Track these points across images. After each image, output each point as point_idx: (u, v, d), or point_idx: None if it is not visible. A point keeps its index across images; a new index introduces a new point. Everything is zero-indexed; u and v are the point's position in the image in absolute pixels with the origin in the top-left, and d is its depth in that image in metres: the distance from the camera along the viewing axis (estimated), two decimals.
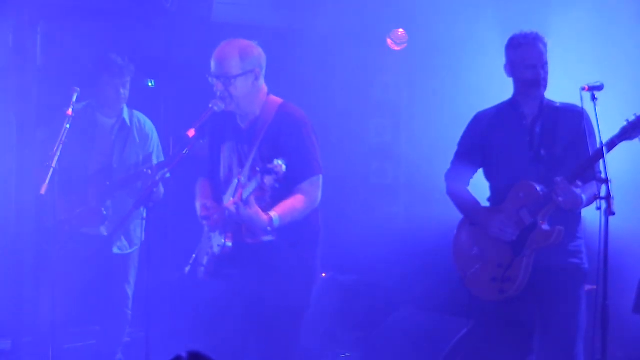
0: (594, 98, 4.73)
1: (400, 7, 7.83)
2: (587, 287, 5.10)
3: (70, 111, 5.64)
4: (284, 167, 4.55)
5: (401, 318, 6.88)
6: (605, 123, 4.71)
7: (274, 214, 4.80)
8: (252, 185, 4.63)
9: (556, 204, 4.86)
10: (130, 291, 6.44)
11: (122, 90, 6.29)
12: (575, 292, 5.04)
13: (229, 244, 4.86)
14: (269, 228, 4.79)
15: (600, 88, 4.76)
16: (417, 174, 7.63)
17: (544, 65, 5.01)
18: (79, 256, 6.10)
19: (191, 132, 4.84)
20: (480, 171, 5.31)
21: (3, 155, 7.09)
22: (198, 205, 5.13)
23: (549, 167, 5.00)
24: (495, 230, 5.02)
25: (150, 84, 7.75)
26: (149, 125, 6.52)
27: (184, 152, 4.86)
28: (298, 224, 4.92)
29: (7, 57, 7.15)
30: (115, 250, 6.34)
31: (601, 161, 4.63)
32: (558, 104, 5.10)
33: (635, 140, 4.76)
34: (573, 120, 5.00)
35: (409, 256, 7.43)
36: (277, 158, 4.58)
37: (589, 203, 4.83)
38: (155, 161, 6.39)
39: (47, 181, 5.42)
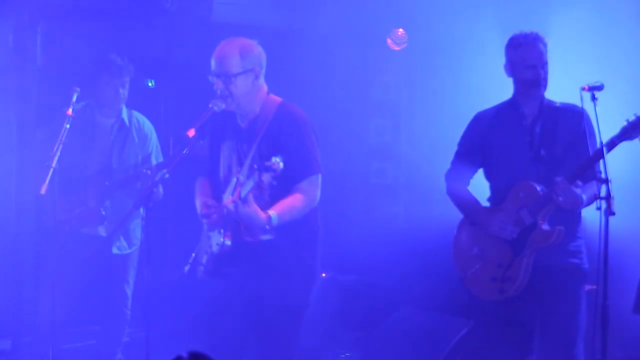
0: (594, 98, 4.74)
1: (400, 7, 7.83)
2: (587, 287, 5.10)
3: (70, 111, 5.64)
4: (281, 164, 4.55)
5: (401, 318, 6.88)
6: (605, 123, 4.71)
7: (272, 212, 4.80)
8: (250, 183, 4.64)
9: (556, 204, 4.86)
10: (129, 291, 6.44)
11: (121, 90, 6.29)
12: (575, 292, 5.04)
13: (228, 242, 4.86)
14: (267, 226, 4.80)
15: (600, 88, 4.76)
16: (417, 174, 7.63)
17: (544, 65, 5.02)
18: (78, 256, 6.10)
19: (191, 132, 4.85)
20: (480, 171, 5.31)
21: (3, 155, 7.08)
22: (198, 203, 5.14)
23: (549, 167, 5.00)
24: (496, 228, 5.02)
25: (150, 84, 7.75)
26: (147, 125, 6.51)
27: (184, 152, 4.87)
28: (297, 223, 4.92)
29: (7, 57, 7.15)
30: (115, 250, 6.34)
31: (601, 161, 4.63)
32: (558, 104, 5.10)
33: (635, 140, 4.77)
34: (573, 120, 5.00)
35: (409, 256, 7.43)
36: (276, 156, 4.58)
37: (589, 203, 4.83)
38: (154, 161, 6.38)
39: (47, 181, 5.42)
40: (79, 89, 5.78)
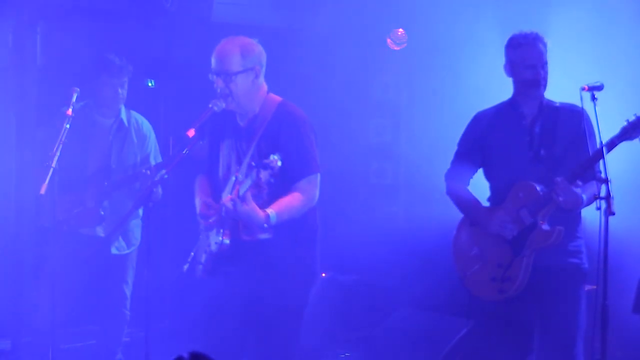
0: (593, 98, 4.74)
1: (400, 7, 7.83)
2: (587, 287, 5.10)
3: (70, 111, 5.63)
4: (279, 162, 4.56)
5: (401, 318, 6.89)
6: (605, 123, 4.71)
7: (270, 211, 4.81)
8: (249, 182, 4.65)
9: (556, 203, 4.86)
10: (128, 291, 6.44)
11: (120, 91, 6.28)
12: (575, 292, 5.04)
13: (227, 241, 4.87)
14: (265, 225, 4.80)
15: (600, 88, 4.76)
16: (417, 174, 7.63)
17: (543, 65, 5.02)
18: (77, 256, 6.10)
19: (191, 132, 4.85)
20: (480, 171, 5.31)
21: (3, 155, 7.08)
22: (198, 202, 5.14)
23: (549, 167, 5.00)
24: (495, 226, 5.03)
25: (150, 84, 7.75)
26: (146, 125, 6.51)
27: (183, 152, 4.87)
28: (295, 222, 4.92)
29: (6, 57, 7.15)
30: (114, 250, 6.34)
31: (601, 161, 4.63)
32: (558, 104, 5.10)
33: (635, 141, 4.76)
34: (573, 120, 5.00)
35: (409, 256, 7.43)
36: (274, 154, 4.59)
37: (589, 203, 4.83)
38: (152, 162, 6.38)
39: (46, 181, 5.42)
40: (78, 89, 5.78)
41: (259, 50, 5.02)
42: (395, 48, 8.02)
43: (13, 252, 7.11)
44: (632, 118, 4.73)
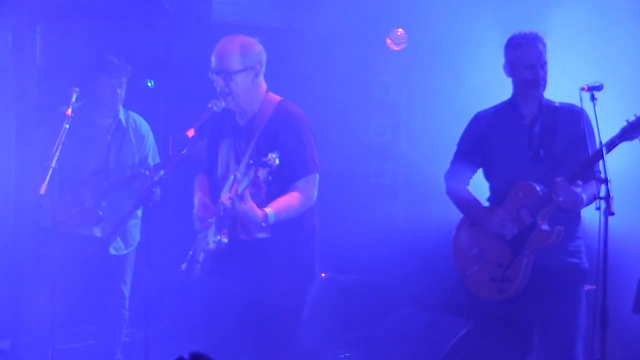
0: (593, 98, 4.74)
1: (400, 7, 7.83)
2: (587, 287, 5.10)
3: (69, 111, 5.63)
4: (277, 160, 4.56)
5: (401, 318, 6.89)
6: (605, 123, 4.71)
7: (269, 210, 4.81)
8: (247, 180, 4.65)
9: (556, 204, 4.86)
10: (126, 291, 6.44)
11: (118, 91, 6.28)
12: (575, 292, 5.04)
13: (225, 240, 4.87)
14: (263, 224, 4.80)
15: (599, 88, 4.77)
16: (416, 174, 7.63)
17: (543, 65, 5.01)
18: (75, 257, 6.08)
19: (190, 132, 4.85)
20: (480, 171, 5.31)
21: (3, 156, 7.08)
22: (196, 200, 5.14)
23: (548, 167, 4.99)
24: (495, 225, 5.02)
25: (149, 84, 7.75)
26: (144, 126, 6.51)
27: (183, 152, 4.87)
28: (293, 222, 4.93)
29: (6, 57, 7.15)
30: (112, 251, 6.33)
31: (601, 161, 4.62)
32: (557, 104, 5.10)
33: (635, 141, 4.76)
34: (572, 120, 5.00)
35: (409, 256, 7.42)
36: (272, 152, 4.59)
37: (589, 203, 4.83)
38: (151, 162, 6.37)
39: (46, 181, 5.41)
40: (78, 89, 5.78)
41: (259, 49, 5.02)
42: (395, 48, 8.02)
43: (13, 252, 7.11)
44: (632, 118, 4.73)
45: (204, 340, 5.14)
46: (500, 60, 5.14)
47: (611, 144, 4.72)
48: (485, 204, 5.25)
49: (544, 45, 5.02)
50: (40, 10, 7.10)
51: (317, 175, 5.01)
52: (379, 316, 7.09)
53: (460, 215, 5.31)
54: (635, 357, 6.12)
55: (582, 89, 4.76)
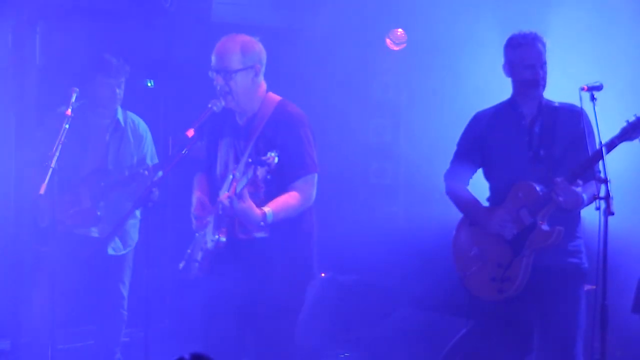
0: (593, 98, 4.74)
1: (400, 7, 7.83)
2: (587, 287, 5.10)
3: (69, 111, 5.63)
4: (276, 159, 4.56)
5: (401, 318, 6.90)
6: (605, 123, 4.71)
7: (267, 209, 4.81)
8: (245, 179, 4.65)
9: (556, 203, 4.86)
10: (125, 291, 6.44)
11: (117, 91, 6.27)
12: (575, 291, 5.04)
13: (223, 239, 4.86)
14: (262, 223, 4.80)
15: (599, 88, 4.76)
16: (416, 174, 7.62)
17: (542, 65, 5.01)
18: (73, 257, 6.08)
19: (190, 133, 4.85)
20: (480, 171, 5.31)
21: (2, 156, 7.08)
22: (194, 199, 5.14)
23: (548, 167, 4.99)
24: (495, 225, 5.02)
25: (149, 84, 7.74)
26: (142, 126, 6.50)
27: (183, 152, 4.87)
28: (292, 222, 4.93)
29: (6, 57, 7.14)
30: (110, 251, 6.33)
31: (600, 161, 4.62)
32: (557, 104, 5.10)
33: (635, 141, 4.76)
34: (572, 120, 5.00)
35: (409, 256, 7.42)
36: (271, 151, 4.59)
37: (589, 203, 4.83)
38: (149, 163, 6.37)
39: (46, 181, 5.41)
40: (77, 89, 5.77)
41: (259, 48, 5.03)
42: (395, 48, 8.02)
43: (12, 253, 7.11)
44: (632, 119, 4.73)
45: (203, 340, 5.15)
46: (500, 60, 5.14)
47: (611, 144, 4.72)
48: (485, 204, 5.25)
49: (544, 45, 5.02)
50: (40, 10, 7.09)
51: (316, 176, 5.02)
52: (379, 316, 7.09)
53: (460, 215, 5.31)
54: (635, 357, 6.12)
55: (582, 89, 4.76)
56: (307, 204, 4.98)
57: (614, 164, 4.66)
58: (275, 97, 5.08)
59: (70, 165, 5.91)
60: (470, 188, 5.31)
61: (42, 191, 5.40)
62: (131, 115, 6.48)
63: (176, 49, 7.52)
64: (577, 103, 4.81)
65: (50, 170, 5.42)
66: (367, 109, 8.20)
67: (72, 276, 6.06)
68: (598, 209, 4.52)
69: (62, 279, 5.87)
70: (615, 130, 4.75)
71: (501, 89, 5.22)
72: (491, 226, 5.05)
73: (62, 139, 5.51)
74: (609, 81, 4.89)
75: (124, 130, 6.39)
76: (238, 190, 4.70)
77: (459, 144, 5.33)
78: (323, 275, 7.28)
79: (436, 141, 6.92)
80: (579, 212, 5.06)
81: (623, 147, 4.76)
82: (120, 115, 6.39)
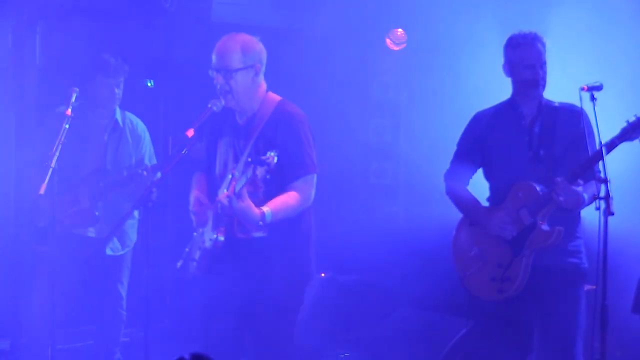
0: (593, 98, 4.74)
1: (400, 7, 7.83)
2: (587, 287, 5.10)
3: (69, 111, 5.63)
4: (275, 158, 4.57)
5: (401, 318, 6.90)
6: (605, 123, 4.71)
7: (266, 209, 4.82)
8: (244, 178, 4.65)
9: (557, 203, 4.86)
10: (123, 292, 6.44)
11: (116, 90, 6.27)
12: (575, 291, 5.03)
13: (221, 238, 4.86)
14: (260, 223, 4.80)
15: (599, 88, 4.76)
16: (416, 174, 7.62)
17: (542, 65, 5.01)
18: (72, 257, 6.07)
19: (190, 133, 4.85)
20: (480, 171, 5.31)
21: (2, 155, 7.08)
22: (192, 197, 5.14)
23: (548, 167, 4.99)
24: (495, 227, 5.02)
25: (149, 84, 7.74)
26: (141, 126, 6.50)
27: (182, 152, 4.87)
28: (290, 222, 4.93)
29: (6, 57, 7.15)
30: (108, 251, 6.32)
31: (600, 162, 4.62)
32: (557, 104, 5.10)
33: (635, 141, 4.76)
34: (572, 120, 5.00)
35: (409, 256, 7.42)
36: (270, 151, 4.59)
37: (590, 202, 4.83)
38: (147, 163, 6.36)
39: (46, 181, 5.41)
40: (77, 89, 5.77)
41: (259, 48, 5.03)
42: (395, 48, 8.02)
43: (12, 252, 7.11)
44: (632, 119, 4.73)
45: (203, 340, 5.15)
46: (500, 60, 5.14)
47: (611, 145, 4.72)
48: (485, 204, 5.24)
49: (544, 45, 5.02)
50: (40, 10, 7.09)
51: (315, 176, 5.02)
52: (379, 316, 7.09)
53: (460, 215, 5.31)
54: (635, 357, 6.12)
55: (582, 89, 4.76)
56: (306, 204, 4.98)
57: (614, 164, 4.66)
58: (275, 97, 5.08)
59: (70, 165, 5.90)
60: (470, 188, 5.31)
61: (42, 191, 5.40)
62: (129, 115, 6.48)
63: (176, 49, 7.52)
64: (577, 103, 4.81)
65: (50, 170, 5.42)
66: (367, 109, 8.20)
67: (70, 276, 6.06)
68: (598, 209, 4.52)
69: (61, 279, 5.87)
70: (615, 130, 4.75)
71: (501, 89, 5.22)
72: (491, 227, 5.05)
73: (62, 138, 5.51)
74: (609, 81, 4.89)
75: (122, 131, 6.39)
76: (237, 189, 4.70)
77: (459, 144, 5.33)
78: (323, 275, 7.28)
79: (436, 141, 6.92)
80: (579, 212, 5.06)
81: (623, 147, 4.76)
82: (118, 116, 6.39)
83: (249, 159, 4.65)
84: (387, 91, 8.35)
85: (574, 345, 4.99)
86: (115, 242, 6.35)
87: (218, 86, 4.98)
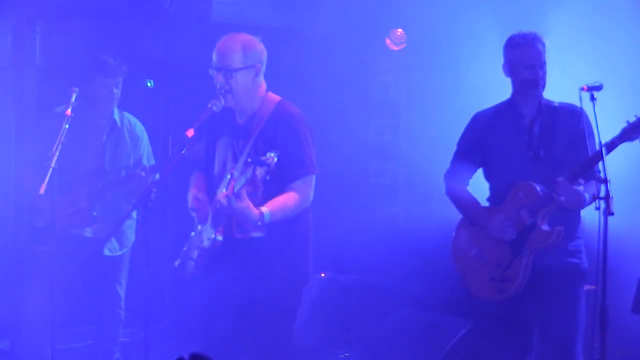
0: (592, 98, 4.74)
1: (400, 7, 7.83)
2: (587, 287, 5.10)
3: (69, 111, 5.62)
4: (275, 158, 4.57)
5: (401, 318, 6.89)
6: (605, 123, 4.71)
7: (265, 209, 4.82)
8: (244, 179, 4.65)
9: (558, 203, 4.86)
10: (121, 292, 6.44)
11: (115, 90, 6.27)
12: (575, 292, 5.04)
13: (220, 237, 4.87)
14: (259, 223, 4.80)
15: (599, 88, 4.77)
16: (416, 174, 7.62)
17: (542, 65, 5.01)
18: (70, 257, 6.07)
19: (190, 133, 4.85)
20: (480, 171, 5.31)
21: (2, 155, 7.08)
22: (190, 196, 5.14)
23: (548, 167, 4.99)
24: (495, 229, 5.02)
25: (149, 84, 7.74)
26: (139, 127, 6.50)
27: (182, 152, 4.87)
28: (288, 222, 4.93)
29: (6, 57, 7.14)
30: (106, 252, 6.31)
31: (600, 162, 4.62)
32: (556, 104, 5.10)
33: (636, 141, 4.76)
34: (572, 120, 5.00)
35: (409, 256, 7.42)
36: (270, 151, 4.59)
37: (590, 202, 4.82)
38: (146, 163, 6.36)
39: (46, 181, 5.41)
40: (77, 89, 5.77)
41: (260, 48, 5.03)
42: (395, 48, 8.01)
43: (12, 253, 7.11)
44: (632, 119, 4.73)
45: (202, 340, 5.15)
46: (500, 60, 5.14)
47: (611, 145, 4.72)
48: (485, 204, 5.24)
49: (543, 45, 5.02)
50: (40, 10, 7.09)
51: (314, 177, 5.02)
52: (379, 316, 7.09)
53: (460, 216, 5.31)
54: (635, 357, 6.12)
55: (582, 89, 4.76)
56: (305, 205, 4.98)
57: (614, 164, 4.67)
58: (275, 97, 5.08)
59: (68, 165, 5.90)
60: (470, 188, 5.31)
61: (42, 191, 5.40)
62: (127, 115, 6.47)
63: (176, 49, 7.51)
64: (577, 103, 4.81)
65: (50, 170, 5.42)
66: (367, 109, 8.20)
67: (69, 276, 6.06)
68: (598, 209, 4.52)
69: (60, 279, 5.87)
70: (615, 131, 4.75)
71: (501, 89, 5.22)
72: (491, 229, 5.04)
73: (62, 138, 5.51)
74: (609, 81, 4.89)
75: (121, 131, 6.38)
76: (236, 189, 4.70)
77: (459, 144, 5.33)
78: (323, 275, 7.28)
79: (436, 141, 6.92)
80: (579, 212, 5.06)
81: (623, 147, 4.77)
82: (116, 116, 6.38)
83: (249, 160, 4.65)
84: (387, 91, 8.35)
85: (574, 345, 4.99)
86: (114, 242, 6.34)
87: (218, 85, 4.98)
